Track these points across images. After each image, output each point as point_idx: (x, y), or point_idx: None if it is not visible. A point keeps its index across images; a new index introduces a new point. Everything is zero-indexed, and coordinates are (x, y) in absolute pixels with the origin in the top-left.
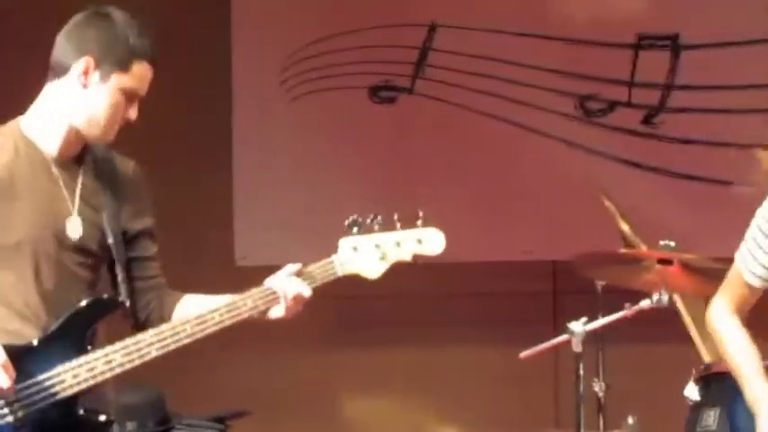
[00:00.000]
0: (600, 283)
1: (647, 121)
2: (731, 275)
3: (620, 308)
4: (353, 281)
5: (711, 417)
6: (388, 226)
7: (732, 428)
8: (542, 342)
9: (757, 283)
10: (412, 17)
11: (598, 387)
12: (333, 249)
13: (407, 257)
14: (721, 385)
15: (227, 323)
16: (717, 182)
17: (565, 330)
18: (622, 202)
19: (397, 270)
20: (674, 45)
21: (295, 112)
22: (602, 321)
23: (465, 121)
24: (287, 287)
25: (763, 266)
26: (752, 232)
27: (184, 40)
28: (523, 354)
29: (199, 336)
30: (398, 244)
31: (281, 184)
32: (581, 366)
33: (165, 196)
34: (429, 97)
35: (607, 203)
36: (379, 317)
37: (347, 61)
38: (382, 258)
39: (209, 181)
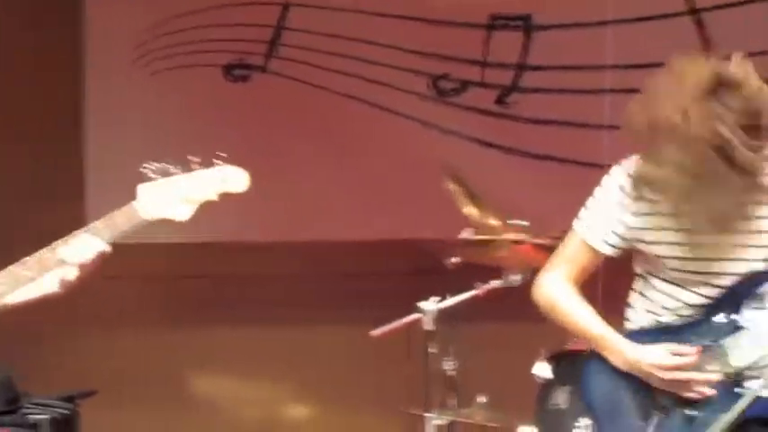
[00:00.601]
0: (452, 262)
1: (500, 100)
2: (571, 247)
3: (472, 287)
4: (206, 257)
5: (561, 395)
6: (189, 168)
7: (586, 405)
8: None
9: (609, 251)
10: None
11: (449, 366)
12: (187, 225)
13: (213, 197)
14: (571, 363)
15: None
16: (569, 161)
17: (416, 309)
18: (476, 182)
19: (256, 249)
20: (526, 25)
21: (152, 87)
22: (453, 300)
23: (319, 100)
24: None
25: (615, 234)
26: (600, 202)
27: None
28: (374, 332)
29: None
30: (201, 185)
31: (135, 159)
32: (432, 345)
33: (14, 169)
34: (283, 76)
35: (450, 186)
36: (238, 296)
37: (203, 39)
38: (187, 200)
39: (61, 155)
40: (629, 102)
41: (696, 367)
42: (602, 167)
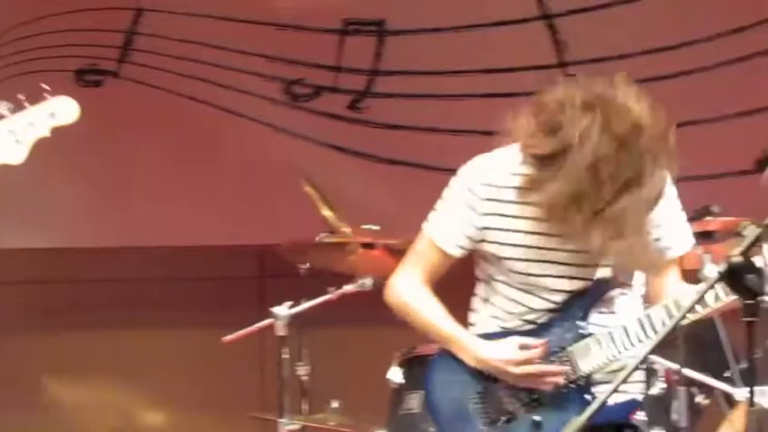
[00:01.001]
0: (304, 268)
1: (353, 106)
2: (421, 249)
3: (325, 292)
4: (59, 263)
5: (414, 400)
6: (18, 108)
7: (429, 410)
8: (248, 326)
9: (456, 252)
10: (119, 1)
11: (302, 371)
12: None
13: (46, 133)
14: (423, 367)
15: None
16: (422, 166)
17: (269, 314)
18: (329, 187)
19: (105, 253)
20: (379, 31)
21: (1, 94)
22: (305, 305)
23: (172, 104)
24: None
25: (463, 235)
26: (448, 203)
27: None
28: (227, 338)
29: None
30: (32, 123)
31: None
32: (285, 350)
33: None
34: (135, 81)
35: (308, 190)
36: (92, 301)
37: (54, 44)
38: (18, 141)
39: None
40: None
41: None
42: (453, 171)
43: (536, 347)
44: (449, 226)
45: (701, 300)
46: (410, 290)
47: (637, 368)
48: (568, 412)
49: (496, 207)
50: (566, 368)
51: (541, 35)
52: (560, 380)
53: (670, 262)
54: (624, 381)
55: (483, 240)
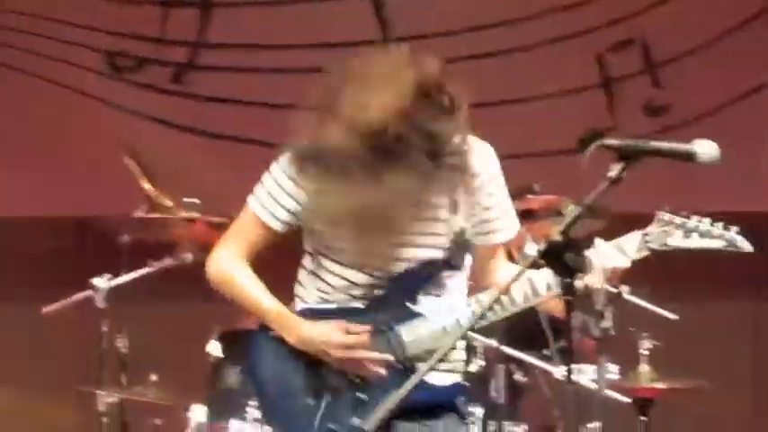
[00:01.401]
0: (125, 240)
1: (176, 79)
2: (244, 223)
3: (145, 265)
4: None
5: (232, 373)
6: None
7: (252, 385)
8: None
9: (277, 227)
10: None
11: (121, 344)
12: None
13: None
14: (242, 343)
15: None
16: (246, 141)
17: (89, 286)
18: (152, 160)
19: None
20: (204, 3)
21: None
22: (125, 278)
23: None
24: None
25: (287, 210)
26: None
27: None
28: (46, 309)
29: None
30: None
31: None
32: (105, 323)
33: None
34: None
35: (129, 163)
36: None
37: None
38: None
39: None
40: (312, 82)
41: (370, 349)
42: (278, 146)
43: (361, 333)
44: (273, 201)
45: (519, 278)
46: (231, 265)
47: (455, 347)
48: (391, 391)
49: (325, 184)
50: (388, 357)
51: (367, 11)
52: (382, 369)
53: (497, 245)
54: (442, 359)
55: (309, 217)
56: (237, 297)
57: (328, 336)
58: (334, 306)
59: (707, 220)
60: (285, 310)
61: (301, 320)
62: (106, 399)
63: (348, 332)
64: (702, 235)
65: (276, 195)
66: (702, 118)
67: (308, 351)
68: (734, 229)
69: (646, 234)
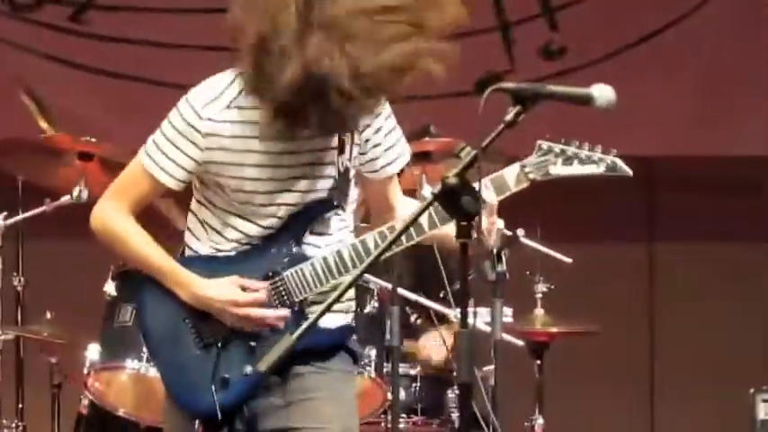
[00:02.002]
0: (21, 178)
1: (75, 17)
2: (134, 177)
3: (41, 203)
4: None
5: (128, 312)
6: None
7: (144, 334)
8: None
9: (167, 181)
10: None
11: (17, 282)
12: None
13: None
14: (137, 281)
15: None
16: (144, 80)
17: None
18: (48, 98)
19: None
20: None
21: None
22: (21, 216)
23: None
24: None
25: (185, 170)
26: (167, 130)
27: None
28: None
29: None
30: None
31: None
32: (0, 261)
33: None
34: None
35: (26, 100)
36: None
37: None
38: None
39: None
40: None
41: (264, 302)
42: (180, 88)
43: (259, 290)
44: (168, 158)
45: (414, 223)
46: (118, 219)
47: (350, 289)
48: (282, 337)
49: (218, 142)
50: (285, 312)
51: None
52: (280, 323)
53: (387, 179)
54: (336, 300)
55: (206, 172)
56: (125, 253)
57: (224, 295)
58: (223, 257)
59: (586, 145)
60: (176, 267)
61: (194, 277)
62: (1, 336)
63: (244, 289)
64: (583, 161)
65: (171, 154)
66: (600, 61)
67: (202, 309)
68: (613, 151)
69: (524, 165)
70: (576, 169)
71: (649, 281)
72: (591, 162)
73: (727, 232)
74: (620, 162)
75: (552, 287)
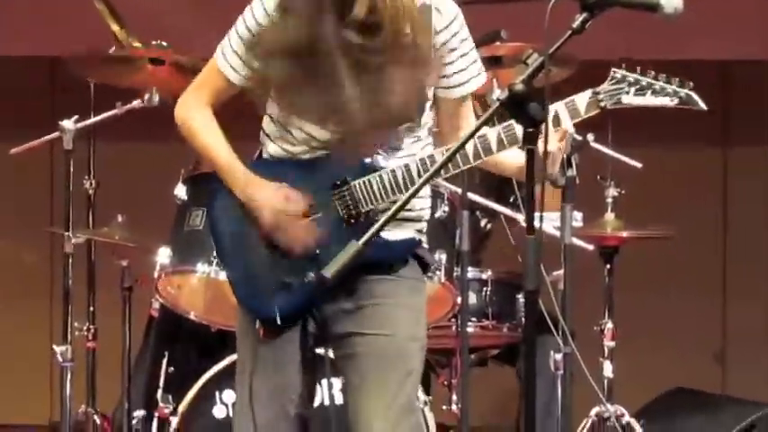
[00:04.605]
0: (93, 82)
1: None
2: (210, 72)
3: (112, 106)
4: None
5: (198, 216)
6: None
7: (213, 233)
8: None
9: (236, 80)
10: None
11: (89, 185)
12: None
13: None
14: (209, 186)
15: None
16: None
17: (57, 128)
18: (119, 2)
19: None
20: None
21: None
22: (93, 119)
23: None
24: None
25: (247, 66)
26: (239, 29)
27: None
28: (14, 150)
29: None
30: None
31: None
32: (71, 164)
33: None
34: None
35: (97, 4)
36: None
37: None
38: None
39: None
40: None
41: (313, 211)
42: None
43: (298, 202)
44: (237, 56)
45: (480, 129)
46: (195, 111)
47: (414, 196)
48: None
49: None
50: (310, 242)
51: None
52: (310, 243)
53: (459, 99)
54: (402, 208)
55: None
56: (197, 145)
57: (269, 196)
58: (295, 159)
59: (663, 77)
60: (237, 163)
61: (248, 175)
62: (73, 240)
63: (287, 198)
64: (656, 92)
65: (240, 51)
66: None
67: (249, 206)
68: (689, 84)
69: (597, 92)
70: (649, 100)
71: (723, 185)
72: (665, 94)
73: None
74: (694, 96)
75: (623, 192)
